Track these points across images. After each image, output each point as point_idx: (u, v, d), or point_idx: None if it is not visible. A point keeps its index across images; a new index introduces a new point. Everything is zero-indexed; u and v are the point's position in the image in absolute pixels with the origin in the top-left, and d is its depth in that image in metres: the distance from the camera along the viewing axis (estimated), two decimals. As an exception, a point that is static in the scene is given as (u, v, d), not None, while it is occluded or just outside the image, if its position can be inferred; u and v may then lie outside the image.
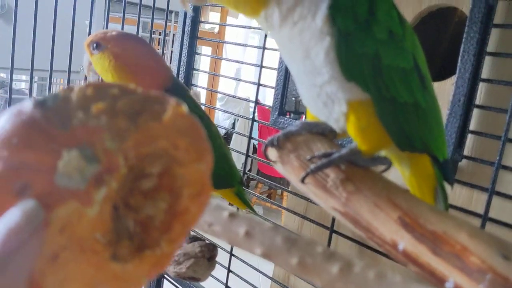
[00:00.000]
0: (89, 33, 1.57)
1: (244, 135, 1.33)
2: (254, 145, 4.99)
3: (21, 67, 1.33)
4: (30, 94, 1.42)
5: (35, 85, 2.48)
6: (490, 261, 0.48)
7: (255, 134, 4.95)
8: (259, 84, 1.21)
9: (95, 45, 0.88)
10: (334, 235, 1.06)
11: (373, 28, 0.54)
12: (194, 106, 0.94)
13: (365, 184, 0.58)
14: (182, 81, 1.43)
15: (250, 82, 1.29)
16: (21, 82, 2.76)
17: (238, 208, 1.11)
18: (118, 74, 0.88)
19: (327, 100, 0.59)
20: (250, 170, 5.25)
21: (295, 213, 1.19)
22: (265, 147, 0.66)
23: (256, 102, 1.26)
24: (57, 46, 1.30)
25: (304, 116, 1.20)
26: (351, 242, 1.06)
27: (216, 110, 4.76)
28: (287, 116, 1.21)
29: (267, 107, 4.66)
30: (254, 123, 1.24)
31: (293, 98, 1.18)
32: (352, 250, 1.10)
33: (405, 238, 0.54)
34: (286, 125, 1.19)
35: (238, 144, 4.63)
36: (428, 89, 0.59)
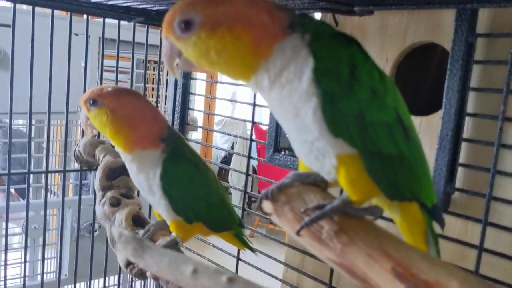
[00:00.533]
0: (85, 74, 1.61)
1: (243, 155, 1.36)
2: (253, 166, 5.02)
3: (17, 111, 1.35)
4: (29, 137, 1.44)
5: (33, 128, 2.51)
6: (481, 309, 0.50)
7: (254, 154, 4.99)
8: (254, 105, 1.25)
9: (91, 101, 0.91)
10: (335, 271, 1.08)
11: (355, 88, 0.57)
12: (190, 153, 0.97)
13: (358, 235, 0.60)
14: (178, 121, 1.46)
15: (245, 103, 1.32)
16: (17, 125, 2.79)
17: (239, 250, 1.12)
18: (116, 128, 0.91)
19: (318, 154, 0.62)
20: (251, 191, 5.25)
21: (296, 248, 1.21)
22: (260, 200, 0.68)
23: (253, 122, 1.29)
24: (52, 88, 1.32)
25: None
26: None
27: (214, 135, 4.80)
28: (282, 153, 1.23)
29: (264, 128, 4.72)
30: (253, 143, 1.27)
31: (287, 135, 1.21)
32: (354, 284, 1.12)
33: (399, 288, 0.56)
34: (281, 162, 1.21)
35: (238, 166, 4.67)
36: (412, 139, 0.62)
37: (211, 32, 0.59)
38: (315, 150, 0.62)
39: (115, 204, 1.15)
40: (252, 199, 5.15)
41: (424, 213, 0.66)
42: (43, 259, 1.45)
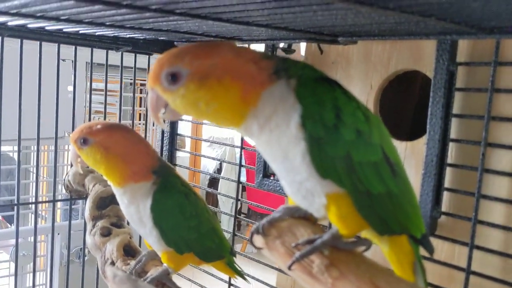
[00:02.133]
0: (74, 98, 1.60)
1: (233, 181, 1.37)
2: (242, 183, 5.00)
3: (4, 138, 1.33)
4: (19, 164, 1.43)
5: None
6: None
7: (243, 174, 5.00)
8: (242, 146, 1.26)
9: (82, 140, 0.91)
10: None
11: (341, 131, 0.59)
12: (181, 184, 0.97)
13: (348, 268, 0.61)
14: (167, 146, 1.46)
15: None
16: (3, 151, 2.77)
17: (230, 278, 1.13)
18: (110, 164, 0.91)
19: (307, 194, 0.63)
20: (241, 209, 5.25)
21: (286, 273, 1.22)
22: (251, 235, 0.69)
23: (242, 147, 1.30)
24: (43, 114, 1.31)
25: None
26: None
27: (202, 154, 4.80)
28: (271, 178, 1.25)
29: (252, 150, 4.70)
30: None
31: (276, 175, 1.22)
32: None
33: (389, 321, 0.57)
34: (271, 187, 1.23)
35: (226, 185, 4.65)
36: (398, 174, 0.63)
37: (200, 84, 0.60)
38: (304, 190, 0.64)
39: (106, 234, 1.15)
40: (242, 214, 5.14)
41: (412, 245, 0.67)
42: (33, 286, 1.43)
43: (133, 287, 0.56)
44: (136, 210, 0.94)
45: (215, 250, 1.01)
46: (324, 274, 0.62)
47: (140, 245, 1.28)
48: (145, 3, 0.66)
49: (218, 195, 4.58)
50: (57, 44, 1.28)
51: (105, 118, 1.47)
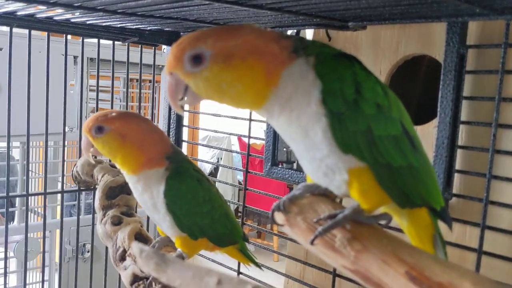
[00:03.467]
0: (81, 93, 1.60)
1: (239, 169, 1.37)
2: (239, 181, 5.03)
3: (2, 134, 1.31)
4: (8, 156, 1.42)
5: (18, 150, 2.50)
6: (495, 306, 0.53)
7: (239, 174, 5.02)
8: (250, 120, 1.27)
9: (97, 128, 0.91)
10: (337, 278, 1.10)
11: (362, 105, 0.60)
12: (193, 169, 0.98)
13: (371, 242, 0.62)
14: (173, 138, 1.47)
15: (230, 117, 1.33)
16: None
17: (239, 264, 1.13)
18: (127, 152, 0.91)
19: (327, 171, 0.64)
20: (237, 208, 5.27)
21: (297, 260, 1.23)
22: (272, 212, 0.69)
23: (250, 136, 1.30)
24: (37, 110, 1.29)
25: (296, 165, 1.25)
26: (354, 284, 1.09)
27: (200, 152, 4.80)
28: (280, 166, 1.25)
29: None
30: (239, 158, 1.30)
31: (284, 149, 1.23)
32: (356, 292, 1.14)
33: (414, 291, 0.58)
34: (279, 175, 1.23)
35: (224, 179, 4.70)
36: (417, 148, 0.65)
37: (224, 65, 0.61)
38: (324, 167, 0.64)
39: (117, 223, 1.15)
40: (239, 213, 5.14)
41: (432, 217, 0.68)
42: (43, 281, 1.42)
43: (161, 261, 0.56)
44: (150, 196, 0.95)
45: (228, 236, 1.01)
46: (346, 248, 0.62)
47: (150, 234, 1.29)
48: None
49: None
50: (64, 35, 1.29)
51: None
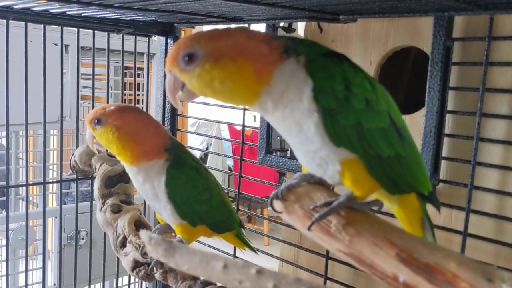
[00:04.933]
0: (77, 82, 1.61)
1: (232, 156, 1.40)
2: (229, 167, 5.08)
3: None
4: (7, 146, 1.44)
5: (12, 139, 2.50)
6: (478, 285, 0.57)
7: (230, 161, 5.05)
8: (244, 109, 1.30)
9: (96, 121, 0.95)
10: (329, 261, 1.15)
11: (351, 101, 0.65)
12: (192, 160, 1.02)
13: (363, 227, 0.66)
14: (168, 127, 1.50)
15: (219, 106, 1.34)
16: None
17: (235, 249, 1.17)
18: (122, 143, 0.95)
19: (321, 162, 0.69)
20: (228, 193, 5.31)
21: (291, 244, 1.28)
22: (271, 200, 0.74)
23: (244, 125, 1.34)
24: (29, 100, 1.29)
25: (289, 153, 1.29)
26: (346, 266, 1.15)
27: (189, 137, 4.82)
28: (274, 154, 1.29)
29: (237, 128, 4.79)
30: (228, 144, 1.33)
31: (278, 138, 1.27)
32: (348, 273, 1.19)
33: (404, 272, 0.62)
34: (273, 163, 1.27)
35: (213, 165, 4.73)
36: (405, 138, 0.69)
37: (215, 64, 0.65)
38: (318, 158, 0.69)
39: (116, 211, 1.19)
40: (230, 198, 5.19)
41: (420, 201, 0.73)
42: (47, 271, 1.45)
43: (169, 247, 0.60)
44: (151, 186, 0.99)
45: (226, 222, 1.06)
46: (341, 233, 0.67)
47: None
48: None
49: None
50: (60, 27, 1.30)
51: (93, 106, 1.47)
